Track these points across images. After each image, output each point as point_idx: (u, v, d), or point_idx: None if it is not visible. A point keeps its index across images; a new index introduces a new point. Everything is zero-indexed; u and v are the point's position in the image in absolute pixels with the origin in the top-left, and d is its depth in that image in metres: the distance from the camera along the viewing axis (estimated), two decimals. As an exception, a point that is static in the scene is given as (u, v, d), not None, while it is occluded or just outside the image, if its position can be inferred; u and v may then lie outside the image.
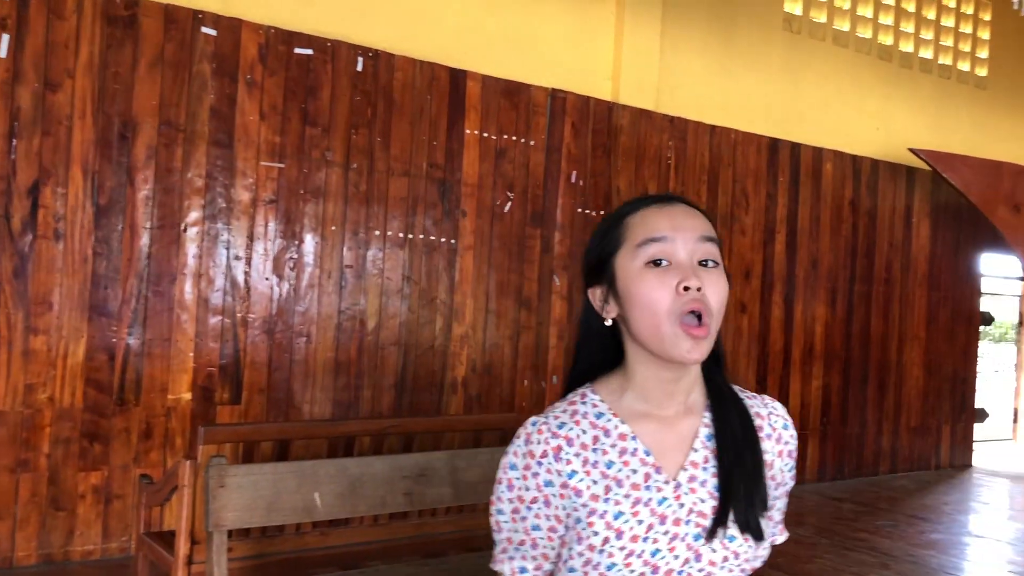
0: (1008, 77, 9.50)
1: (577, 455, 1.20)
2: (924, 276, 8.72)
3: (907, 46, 8.67)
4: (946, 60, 9.00)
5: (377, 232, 5.62)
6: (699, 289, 1.16)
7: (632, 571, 1.17)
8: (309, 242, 5.40)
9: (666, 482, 1.22)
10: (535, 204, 6.30)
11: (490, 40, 6.21)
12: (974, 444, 9.28)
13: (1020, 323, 10.35)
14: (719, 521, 1.21)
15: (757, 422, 1.29)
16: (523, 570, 1.24)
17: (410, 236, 5.74)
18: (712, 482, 1.23)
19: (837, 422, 8.05)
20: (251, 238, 5.22)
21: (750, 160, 7.42)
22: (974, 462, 9.22)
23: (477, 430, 4.33)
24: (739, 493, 1.22)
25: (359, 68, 5.54)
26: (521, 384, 6.21)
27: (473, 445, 4.24)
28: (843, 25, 8.16)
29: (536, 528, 1.21)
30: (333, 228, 5.46)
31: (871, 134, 8.33)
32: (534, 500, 1.20)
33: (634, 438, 1.21)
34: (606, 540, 1.17)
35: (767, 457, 1.29)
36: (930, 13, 8.86)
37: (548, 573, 1.25)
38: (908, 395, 8.55)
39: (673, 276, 1.16)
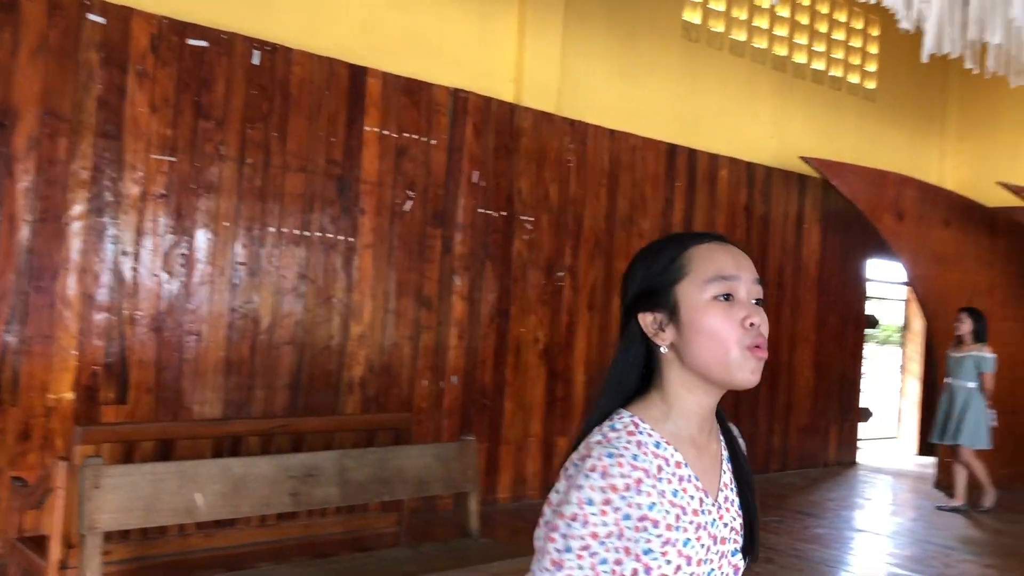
0: (894, 90, 9.94)
1: (654, 487, 1.21)
2: (814, 280, 9.05)
3: (800, 58, 8.98)
4: (837, 72, 9.36)
5: (272, 229, 5.53)
6: (754, 324, 1.25)
7: None
8: (201, 238, 5.27)
9: (713, 504, 1.28)
10: (436, 203, 6.30)
11: (392, 38, 6.18)
12: (859, 442, 9.67)
13: (904, 326, 10.83)
14: (752, 535, 1.31)
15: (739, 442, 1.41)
16: None
17: (307, 233, 5.66)
18: (736, 501, 1.32)
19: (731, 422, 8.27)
20: (140, 233, 5.07)
21: (649, 165, 7.58)
22: (859, 459, 9.60)
23: (370, 430, 4.31)
24: (754, 505, 1.33)
25: (255, 62, 5.45)
26: (420, 384, 6.20)
27: (366, 445, 4.22)
28: (740, 35, 8.40)
29: (603, 562, 1.18)
30: (226, 224, 5.35)
31: (765, 142, 8.60)
32: (608, 535, 1.18)
33: (686, 465, 1.26)
34: (678, 568, 1.21)
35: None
36: (822, 27, 9.21)
37: None
38: (798, 395, 8.85)
39: (739, 311, 1.24)
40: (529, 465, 6.80)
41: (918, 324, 10.19)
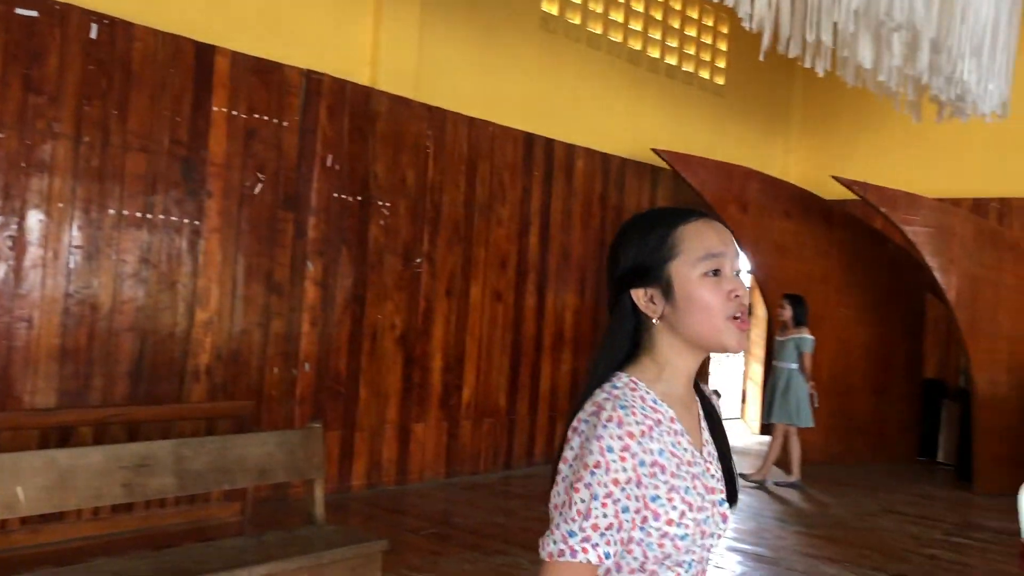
0: (743, 87, 10.39)
1: (661, 435, 1.32)
2: (666, 268, 9.36)
3: (654, 52, 9.26)
4: (689, 67, 9.70)
5: (112, 211, 5.29)
6: (739, 296, 1.37)
7: (695, 539, 1.31)
8: (32, 219, 4.99)
9: (701, 457, 1.39)
10: (288, 187, 6.17)
11: (242, 16, 6.01)
12: (708, 423, 10.09)
13: (749, 312, 11.36)
14: (733, 483, 1.43)
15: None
16: (608, 555, 1.26)
17: (149, 216, 5.45)
18: (715, 453, 1.43)
19: (585, 405, 8.49)
20: (-38, 213, 4.75)
21: (507, 153, 7.66)
22: (707, 440, 10.02)
23: (211, 418, 4.21)
24: (731, 456, 1.46)
25: (93, 35, 5.19)
26: (271, 372, 6.08)
27: (208, 434, 4.12)
28: (596, 28, 8.58)
29: (625, 511, 1.26)
30: (60, 205, 5.09)
31: (620, 133, 8.83)
32: (628, 481, 1.26)
33: (678, 420, 1.37)
34: (683, 514, 1.29)
35: None
36: (675, 22, 9.51)
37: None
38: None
39: (726, 285, 1.36)
40: (385, 452, 6.78)
41: (762, 310, 10.71)
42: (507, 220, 7.66)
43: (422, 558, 5.11)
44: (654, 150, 8.35)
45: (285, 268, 6.16)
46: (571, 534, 1.25)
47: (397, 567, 4.89)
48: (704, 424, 1.44)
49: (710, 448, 1.42)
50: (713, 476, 1.40)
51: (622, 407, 1.29)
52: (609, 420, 1.27)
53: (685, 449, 1.35)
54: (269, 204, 6.05)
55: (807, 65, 6.80)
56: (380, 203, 6.68)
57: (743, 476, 7.77)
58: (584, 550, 1.24)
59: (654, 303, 1.38)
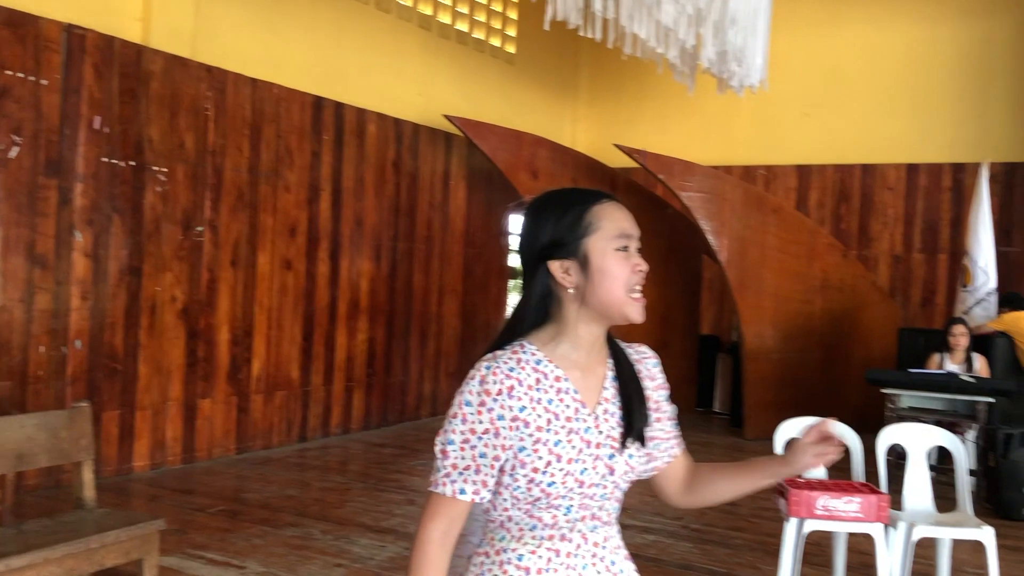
0: (533, 56, 10.59)
1: (526, 394, 1.49)
2: (461, 234, 9.47)
3: (445, 17, 9.24)
4: (480, 34, 9.77)
5: None
6: (642, 270, 1.57)
7: (566, 486, 1.49)
8: None
9: (589, 414, 1.55)
10: (50, 151, 5.70)
11: (-12, -39, 5.46)
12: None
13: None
14: (626, 436, 1.57)
15: (636, 367, 1.66)
16: (463, 491, 1.48)
17: None
18: (618, 413, 1.58)
19: (382, 372, 8.48)
20: None
21: (294, 117, 7.43)
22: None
23: (-40, 402, 3.85)
24: (636, 414, 1.60)
25: None
26: (36, 351, 5.63)
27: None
28: (385, -9, 8.45)
29: (483, 456, 1.47)
30: None
31: (413, 99, 8.79)
32: (485, 431, 1.47)
33: (566, 379, 1.54)
34: (548, 463, 1.48)
35: (647, 392, 1.66)
36: (465, -11, 9.53)
37: (483, 500, 1.51)
38: (447, 344, 9.25)
39: (632, 259, 1.55)
40: (169, 430, 6.48)
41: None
42: (295, 186, 7.46)
43: (208, 536, 4.94)
44: (446, 116, 8.37)
45: (49, 239, 5.70)
46: (437, 470, 1.50)
47: (181, 547, 4.70)
48: (614, 384, 1.61)
49: (607, 407, 1.58)
50: (601, 432, 1.55)
51: (487, 367, 1.49)
52: (471, 378, 1.49)
53: (568, 406, 1.52)
54: (28, 170, 5.57)
55: (586, 34, 7.04)
56: (156, 169, 6.31)
57: None
58: (443, 483, 1.49)
59: (569, 274, 1.54)
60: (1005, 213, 9.38)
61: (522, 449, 1.48)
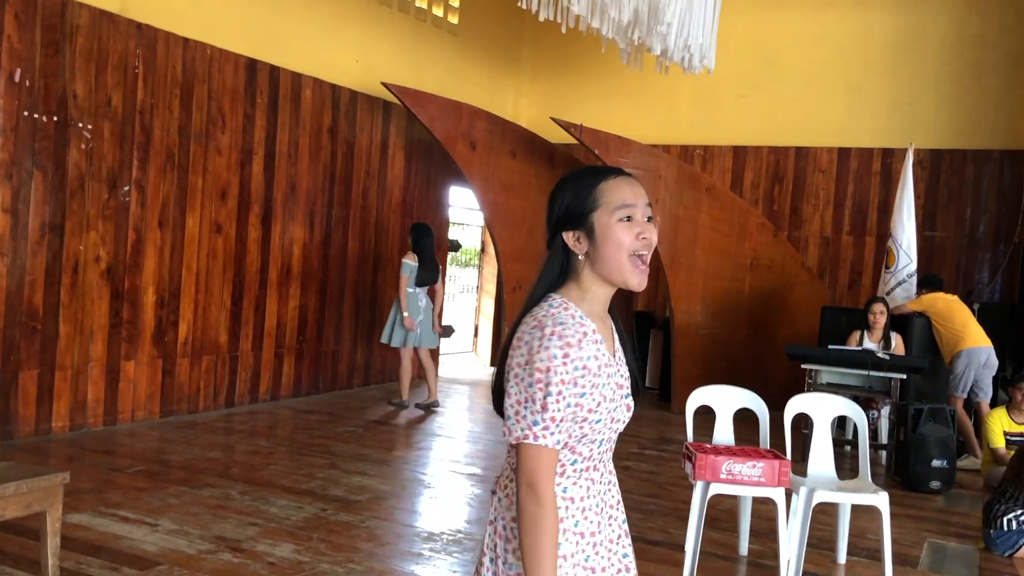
0: (476, 27, 10.55)
1: (588, 343, 1.67)
2: (399, 204, 9.44)
3: (387, -15, 9.14)
4: (422, 3, 9.69)
5: None
6: (646, 237, 1.73)
7: (606, 424, 1.71)
8: None
9: (615, 360, 1.77)
10: (-33, 103, 5.56)
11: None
12: (441, 356, 10.36)
13: (482, 249, 11.73)
14: (640, 381, 1.86)
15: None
16: (559, 443, 1.64)
17: None
18: (623, 358, 1.82)
19: (313, 340, 8.45)
20: None
21: (227, 78, 7.33)
22: (440, 372, 10.30)
23: None
24: (635, 361, 1.86)
25: None
26: (-50, 306, 5.51)
27: None
28: (325, -45, 8.34)
29: (569, 406, 1.63)
30: None
31: (351, 65, 8.71)
32: (571, 381, 1.63)
33: (596, 332, 1.72)
34: (599, 403, 1.67)
35: None
36: (408, -43, 9.43)
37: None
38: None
39: (635, 227, 1.72)
40: (91, 391, 6.39)
41: (490, 246, 11.08)
42: (227, 148, 7.36)
43: (123, 495, 4.91)
44: (384, 84, 8.32)
45: (-35, 192, 5.57)
46: (535, 423, 1.61)
47: (94, 505, 4.67)
48: (616, 335, 1.83)
49: (620, 354, 1.82)
50: (622, 375, 1.78)
51: (560, 323, 1.65)
52: (552, 334, 1.64)
53: (604, 354, 1.72)
54: (-58, 120, 5.43)
55: (528, 7, 7.03)
56: (80, 125, 6.19)
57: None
58: (544, 436, 1.62)
59: (580, 243, 1.74)
60: (931, 199, 9.64)
61: (583, 394, 1.65)
